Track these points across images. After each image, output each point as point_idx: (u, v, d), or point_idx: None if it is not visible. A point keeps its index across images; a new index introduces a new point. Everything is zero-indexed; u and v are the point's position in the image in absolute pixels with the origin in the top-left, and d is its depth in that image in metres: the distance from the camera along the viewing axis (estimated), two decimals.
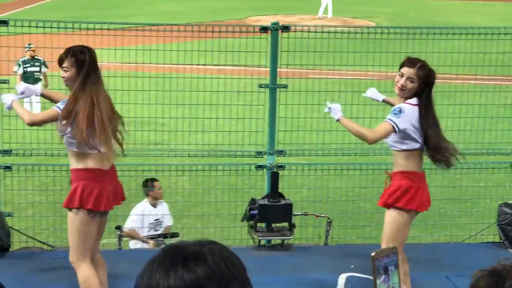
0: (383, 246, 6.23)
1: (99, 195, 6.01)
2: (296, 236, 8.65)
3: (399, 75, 6.27)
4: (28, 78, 15.32)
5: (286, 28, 8.54)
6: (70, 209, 6.11)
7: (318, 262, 8.05)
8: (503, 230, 8.68)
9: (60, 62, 5.97)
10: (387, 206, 6.44)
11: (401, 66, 6.33)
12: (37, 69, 16.15)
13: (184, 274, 1.89)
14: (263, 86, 8.62)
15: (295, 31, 8.77)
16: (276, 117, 8.66)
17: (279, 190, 8.39)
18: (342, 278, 7.57)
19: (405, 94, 6.25)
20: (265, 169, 8.71)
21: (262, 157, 8.82)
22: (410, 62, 6.30)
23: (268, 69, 8.65)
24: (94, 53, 6.02)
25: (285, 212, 8.26)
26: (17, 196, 9.05)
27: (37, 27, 8.10)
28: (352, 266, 7.82)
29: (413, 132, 6.23)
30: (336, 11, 35.80)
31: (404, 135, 6.24)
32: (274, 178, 8.32)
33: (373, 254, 2.24)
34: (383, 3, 41.95)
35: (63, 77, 5.97)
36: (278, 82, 8.61)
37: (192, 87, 8.88)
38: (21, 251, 8.41)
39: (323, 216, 8.72)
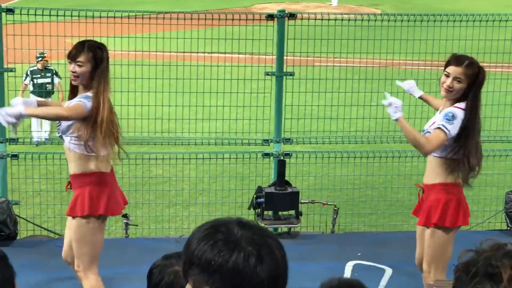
0: (426, 267, 5.85)
1: (109, 199, 5.71)
2: (302, 224, 8.66)
3: (445, 75, 5.64)
4: (37, 90, 13.35)
5: (292, 16, 8.51)
6: (75, 217, 5.73)
7: (325, 250, 8.05)
8: (510, 218, 8.68)
9: (74, 56, 5.53)
10: (430, 225, 5.81)
11: (447, 64, 5.68)
12: (48, 80, 14.06)
13: None
14: (269, 73, 8.61)
15: (301, 19, 8.75)
16: (283, 105, 8.65)
17: (286, 178, 8.39)
18: (349, 266, 7.58)
19: (453, 96, 5.64)
20: (271, 157, 8.71)
21: (268, 145, 8.81)
22: (456, 60, 5.68)
23: (275, 57, 8.63)
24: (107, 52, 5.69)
25: (292, 200, 8.27)
26: (23, 184, 9.07)
27: (43, 15, 8.09)
28: (359, 254, 7.83)
29: None
30: None
31: (452, 142, 5.64)
32: (281, 166, 8.32)
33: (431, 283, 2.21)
34: None
35: (74, 72, 5.54)
36: (284, 70, 8.60)
37: (198, 75, 8.86)
38: (28, 239, 8.44)
39: (330, 204, 8.72)
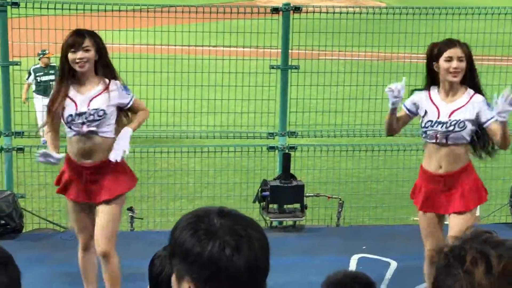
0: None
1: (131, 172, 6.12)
2: (307, 217, 8.66)
3: (446, 60, 5.61)
4: (42, 88, 13.49)
5: (297, 9, 8.50)
6: (117, 197, 5.89)
7: (330, 243, 8.05)
8: None
9: (79, 43, 5.59)
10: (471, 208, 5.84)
11: (440, 51, 5.65)
12: (52, 77, 13.59)
13: None
14: (274, 67, 8.60)
15: (307, 12, 8.74)
16: (288, 98, 8.65)
17: (291, 171, 8.39)
18: (354, 259, 7.58)
19: (461, 77, 5.64)
20: (276, 150, 8.71)
21: (273, 138, 8.81)
22: (450, 42, 5.72)
23: (279, 50, 8.63)
24: None
25: (297, 193, 8.27)
26: (29, 178, 9.09)
27: (48, 8, 8.09)
28: (364, 247, 7.82)
29: None
30: None
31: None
32: (286, 159, 8.32)
33: None
34: None
35: (82, 58, 5.59)
36: (289, 63, 8.59)
37: (203, 68, 8.86)
38: (34, 232, 8.45)
39: (335, 197, 8.72)
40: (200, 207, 2.18)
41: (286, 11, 8.44)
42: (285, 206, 8.42)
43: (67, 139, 5.86)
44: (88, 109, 5.67)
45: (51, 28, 8.30)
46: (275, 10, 8.54)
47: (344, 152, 8.87)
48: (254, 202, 8.44)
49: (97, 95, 5.70)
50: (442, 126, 5.68)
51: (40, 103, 12.46)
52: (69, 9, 8.19)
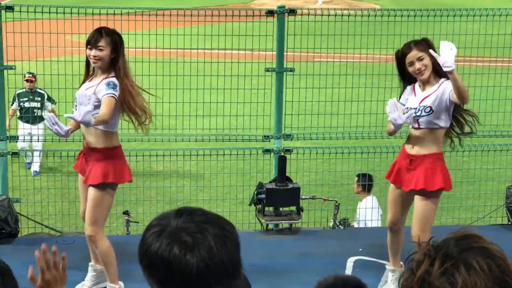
0: (416, 232, 6.23)
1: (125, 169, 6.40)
2: (303, 219, 8.65)
3: (409, 64, 6.14)
4: (24, 115, 12.00)
5: (292, 12, 8.51)
6: (100, 185, 6.23)
7: (326, 245, 8.05)
8: (511, 212, 8.67)
9: (95, 41, 6.04)
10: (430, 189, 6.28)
11: (401, 58, 6.20)
12: (36, 104, 12.46)
13: None
14: (269, 70, 8.61)
15: (301, 15, 8.74)
16: (283, 101, 8.65)
17: (287, 174, 8.38)
18: (350, 262, 7.57)
19: (429, 73, 6.14)
20: (272, 153, 8.71)
21: (269, 141, 8.81)
22: (407, 47, 6.20)
23: (275, 53, 8.63)
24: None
25: (293, 196, 8.26)
26: (24, 182, 9.07)
27: (42, 12, 8.08)
28: (360, 250, 7.82)
29: None
30: None
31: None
32: (282, 162, 8.32)
33: None
34: None
35: (95, 56, 6.05)
36: (284, 66, 8.59)
37: (198, 71, 8.86)
38: (29, 236, 8.43)
39: (331, 200, 8.73)
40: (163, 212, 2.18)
41: (281, 14, 8.44)
42: (281, 209, 8.42)
43: None
44: (79, 95, 6.17)
45: (45, 32, 8.29)
46: (270, 12, 8.55)
47: (340, 154, 8.87)
48: (250, 205, 8.44)
49: (92, 86, 6.14)
50: (415, 111, 6.19)
51: (22, 133, 10.91)
52: (64, 13, 8.19)
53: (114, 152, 6.28)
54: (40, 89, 12.35)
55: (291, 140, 8.90)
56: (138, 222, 8.78)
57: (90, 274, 6.81)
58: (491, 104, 9.08)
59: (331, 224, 8.73)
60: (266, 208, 8.34)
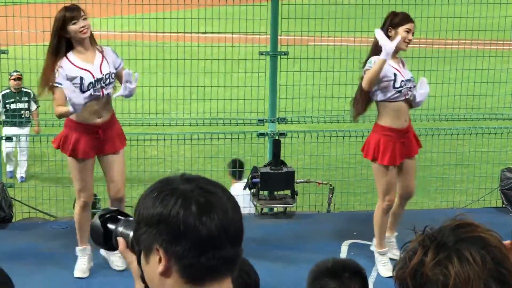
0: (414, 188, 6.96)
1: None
2: (298, 203, 8.65)
3: (406, 31, 6.49)
4: (11, 118, 10.60)
5: None
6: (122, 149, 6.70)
7: (321, 229, 8.05)
8: (505, 195, 8.68)
9: (77, 13, 6.22)
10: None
11: (400, 23, 6.51)
12: (23, 106, 11.29)
13: None
14: (263, 53, 8.58)
15: None
16: (277, 85, 8.63)
17: (281, 158, 8.37)
18: (345, 245, 7.58)
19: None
20: (266, 137, 8.69)
21: (263, 125, 8.80)
22: (409, 17, 6.59)
23: (269, 36, 8.60)
24: None
25: (287, 179, 8.25)
26: (18, 167, 9.04)
27: None
28: (355, 233, 7.83)
29: None
30: None
31: None
32: (276, 146, 8.30)
33: None
34: None
35: (84, 26, 6.23)
36: (278, 50, 8.57)
37: (192, 55, 8.82)
38: (23, 221, 8.42)
39: (325, 184, 8.72)
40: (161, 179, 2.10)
41: None
42: (275, 193, 8.42)
43: None
44: (103, 75, 6.34)
45: (38, 16, 8.24)
46: None
47: (334, 138, 8.85)
48: (244, 189, 8.42)
49: (102, 61, 6.40)
50: (410, 83, 6.59)
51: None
52: None
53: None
54: (26, 88, 11.35)
55: (285, 123, 8.89)
56: (132, 207, 8.77)
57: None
58: (486, 87, 9.08)
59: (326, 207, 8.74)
60: (261, 192, 8.34)
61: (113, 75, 6.42)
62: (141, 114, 8.93)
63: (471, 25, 9.07)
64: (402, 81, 6.50)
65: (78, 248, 6.81)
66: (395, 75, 6.50)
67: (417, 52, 9.02)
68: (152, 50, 8.71)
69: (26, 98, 11.33)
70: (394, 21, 6.52)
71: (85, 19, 6.26)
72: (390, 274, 6.62)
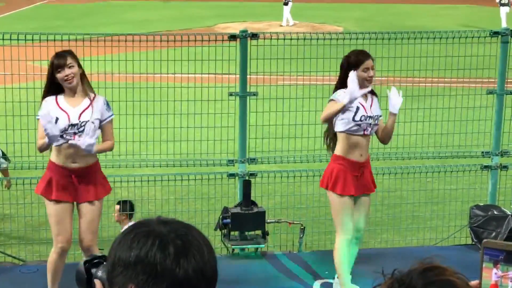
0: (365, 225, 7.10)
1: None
2: (269, 243, 8.65)
3: (364, 70, 6.67)
4: None
5: (254, 36, 8.54)
6: (98, 200, 6.66)
7: (293, 269, 8.04)
8: (475, 232, 8.73)
9: (64, 61, 6.31)
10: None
11: (359, 62, 6.69)
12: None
13: None
14: (233, 94, 8.61)
15: (264, 39, 8.77)
16: (247, 125, 8.66)
17: (252, 198, 8.38)
18: (316, 285, 7.57)
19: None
20: (237, 177, 8.70)
21: (233, 165, 8.80)
22: (366, 54, 6.80)
23: (238, 76, 8.64)
24: None
25: (258, 220, 8.26)
26: None
27: (3, 39, 8.02)
28: (327, 272, 7.82)
29: None
30: (303, 17, 35.93)
31: None
32: (246, 186, 8.31)
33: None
34: (350, 7, 42.17)
35: (69, 74, 6.31)
36: (248, 90, 8.61)
37: (161, 96, 8.83)
38: None
39: (296, 223, 8.72)
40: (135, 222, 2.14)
41: (244, 38, 8.47)
42: (246, 233, 8.40)
43: (54, 148, 6.43)
44: (79, 121, 6.35)
45: (6, 60, 8.22)
46: (233, 37, 8.57)
47: (305, 177, 8.88)
48: (215, 229, 8.41)
49: (86, 109, 6.41)
50: (372, 120, 6.73)
51: None
52: (25, 40, 8.12)
53: (98, 165, 6.74)
54: None
55: (255, 164, 8.90)
56: (103, 249, 8.70)
57: None
58: (453, 125, 9.17)
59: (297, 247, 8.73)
60: (232, 233, 8.32)
61: (94, 125, 6.37)
62: (111, 156, 8.91)
63: (438, 64, 9.20)
64: (363, 116, 6.66)
65: None
66: (357, 108, 6.66)
67: (385, 91, 9.10)
68: (121, 91, 8.72)
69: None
70: (351, 63, 6.72)
71: (71, 67, 6.32)
72: None
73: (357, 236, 7.03)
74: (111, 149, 6.72)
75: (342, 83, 6.73)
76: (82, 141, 6.21)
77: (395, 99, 6.70)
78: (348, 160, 6.75)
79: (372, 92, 6.92)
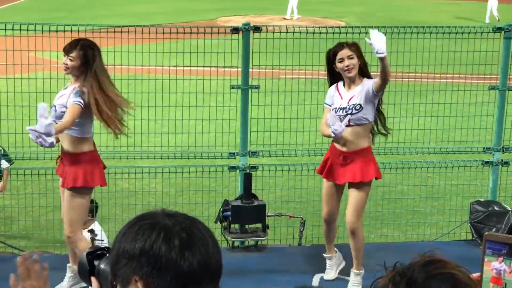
0: (351, 219, 7.04)
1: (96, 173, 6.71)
2: (269, 236, 8.65)
3: (339, 61, 6.76)
4: None
5: (257, 29, 8.53)
6: (72, 189, 6.53)
7: (292, 262, 8.04)
8: (475, 228, 8.73)
9: (68, 51, 6.39)
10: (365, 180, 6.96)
11: (333, 55, 6.80)
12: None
13: None
14: (235, 87, 8.61)
15: (266, 32, 8.76)
16: (248, 118, 8.65)
17: (253, 191, 8.38)
18: (316, 278, 7.58)
19: (355, 71, 6.76)
20: (238, 170, 8.70)
21: (234, 158, 8.80)
22: (339, 45, 6.85)
23: (240, 69, 8.63)
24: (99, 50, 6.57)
25: (259, 213, 8.25)
26: None
27: (5, 29, 8.01)
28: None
29: None
30: (306, 11, 35.87)
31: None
32: (247, 179, 8.31)
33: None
34: (352, 2, 42.09)
35: (65, 64, 6.40)
36: (250, 83, 8.60)
37: (164, 88, 8.83)
38: None
39: (297, 217, 8.72)
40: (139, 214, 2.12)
41: (246, 31, 8.46)
42: (247, 226, 8.41)
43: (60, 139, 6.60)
44: (54, 105, 6.50)
45: (9, 50, 8.21)
46: (235, 30, 8.56)
47: (306, 171, 8.88)
48: (216, 222, 8.41)
49: (65, 94, 6.49)
50: (343, 111, 6.77)
51: None
52: (27, 30, 8.09)
53: (84, 157, 6.56)
54: None
55: (256, 157, 8.90)
56: (103, 241, 8.71)
57: (68, 275, 7.00)
58: (455, 120, 9.16)
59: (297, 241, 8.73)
60: (232, 226, 8.32)
61: (46, 105, 6.08)
62: (112, 147, 8.91)
63: (440, 59, 9.18)
64: (335, 108, 6.84)
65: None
66: (333, 101, 6.91)
67: (388, 86, 9.09)
68: (123, 83, 8.70)
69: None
70: (330, 57, 6.87)
71: (71, 60, 6.39)
72: None
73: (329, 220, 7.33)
74: (64, 126, 6.31)
75: (330, 77, 7.03)
76: (39, 124, 6.00)
77: (377, 43, 6.36)
78: (333, 146, 7.00)
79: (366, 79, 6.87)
